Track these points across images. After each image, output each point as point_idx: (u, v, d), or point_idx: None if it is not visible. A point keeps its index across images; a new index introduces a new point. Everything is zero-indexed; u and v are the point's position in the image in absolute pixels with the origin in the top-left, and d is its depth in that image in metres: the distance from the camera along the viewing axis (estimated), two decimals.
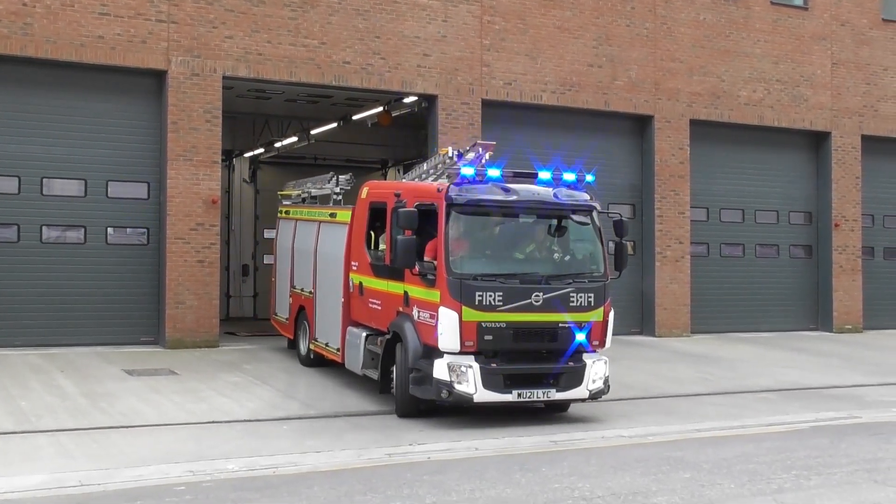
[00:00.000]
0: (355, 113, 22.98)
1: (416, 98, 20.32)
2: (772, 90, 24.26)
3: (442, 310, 12.05)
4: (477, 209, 12.52)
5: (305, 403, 13.49)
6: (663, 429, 12.58)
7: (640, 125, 22.98)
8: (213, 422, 12.13)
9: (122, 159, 17.92)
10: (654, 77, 22.74)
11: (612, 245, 13.36)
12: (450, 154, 13.75)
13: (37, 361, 15.51)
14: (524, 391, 12.26)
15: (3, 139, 16.99)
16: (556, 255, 13.21)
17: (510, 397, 12.19)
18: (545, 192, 12.96)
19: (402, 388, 12.66)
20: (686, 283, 22.94)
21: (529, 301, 12.22)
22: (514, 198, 12.64)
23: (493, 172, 12.71)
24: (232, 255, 27.68)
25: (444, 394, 11.98)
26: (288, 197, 19.50)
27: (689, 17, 23.25)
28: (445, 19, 20.28)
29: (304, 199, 18.41)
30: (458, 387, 11.97)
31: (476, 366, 12.02)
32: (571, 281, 12.63)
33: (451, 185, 12.49)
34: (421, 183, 14.26)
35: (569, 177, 13.24)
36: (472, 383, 11.96)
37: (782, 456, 10.58)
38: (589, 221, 13.13)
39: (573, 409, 13.40)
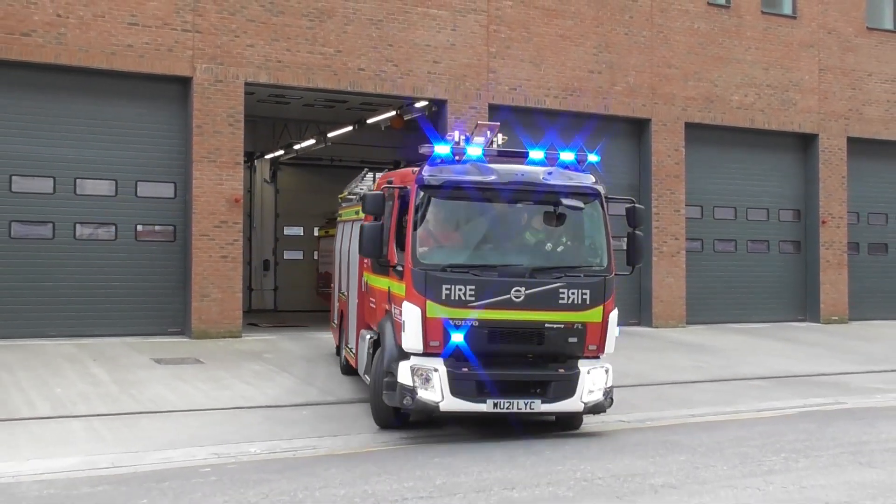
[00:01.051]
0: (369, 117, 22.96)
1: (426, 102, 20.29)
2: (762, 95, 24.19)
3: (405, 305, 10.17)
4: (451, 192, 10.52)
5: (323, 391, 13.49)
6: (660, 414, 12.57)
7: (638, 128, 22.93)
8: (236, 408, 12.16)
9: (151, 161, 17.93)
10: (651, 82, 22.69)
11: (635, 236, 11.37)
12: (456, 139, 11.71)
13: (71, 351, 15.57)
14: (502, 401, 10.11)
15: (38, 142, 17.01)
16: (548, 246, 11.00)
17: (484, 407, 10.09)
18: (533, 173, 10.79)
19: (375, 394, 10.89)
20: (681, 277, 22.90)
21: (509, 297, 10.14)
22: (492, 178, 10.51)
23: (474, 151, 10.83)
24: (254, 250, 27.78)
25: (407, 400, 10.07)
26: (346, 199, 17.81)
27: (684, 25, 23.20)
28: (454, 28, 20.26)
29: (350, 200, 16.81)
30: (421, 393, 10.02)
31: (443, 369, 10.02)
32: (562, 275, 10.45)
33: (426, 166, 10.64)
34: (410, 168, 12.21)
35: (566, 156, 11.19)
36: (438, 389, 10.00)
37: (772, 440, 10.57)
38: (589, 207, 10.89)
39: None
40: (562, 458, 9.46)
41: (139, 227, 17.85)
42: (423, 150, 11.00)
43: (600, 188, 10.98)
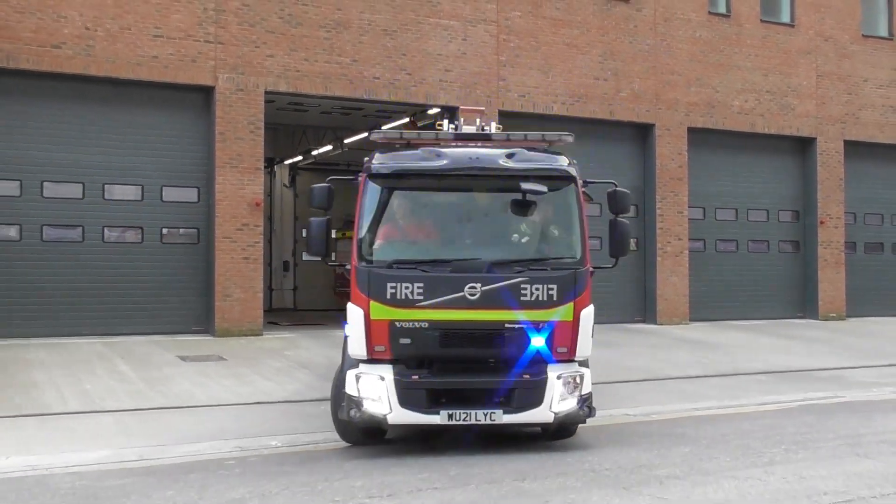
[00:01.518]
0: (384, 123, 22.96)
1: (438, 109, 20.31)
2: (762, 100, 24.12)
3: (349, 306, 8.96)
4: (400, 180, 9.23)
5: None
6: (665, 408, 12.56)
7: (642, 132, 22.88)
8: (257, 402, 12.19)
9: (175, 166, 17.99)
10: (655, 89, 22.65)
11: (617, 224, 9.76)
12: (445, 128, 10.59)
13: (100, 349, 15.65)
14: (458, 411, 8.69)
15: (68, 149, 17.09)
16: (514, 237, 9.47)
17: (437, 419, 8.71)
18: (491, 156, 9.30)
19: (334, 405, 9.53)
20: (685, 276, 22.84)
21: (462, 294, 8.71)
22: (443, 163, 9.08)
23: (445, 135, 9.73)
24: (274, 252, 27.85)
25: (354, 412, 8.79)
26: None
27: (687, 34, 23.15)
28: (465, 38, 20.27)
29: None
30: (367, 404, 8.70)
31: (390, 377, 8.68)
32: (523, 269, 8.92)
33: (377, 153, 9.41)
34: None
35: (517, 136, 9.70)
36: (385, 400, 8.65)
37: (773, 432, 10.54)
38: (562, 192, 9.36)
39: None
40: (570, 449, 9.44)
41: (164, 231, 17.91)
42: (374, 135, 9.76)
43: (572, 171, 9.39)
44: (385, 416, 8.72)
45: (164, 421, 11.01)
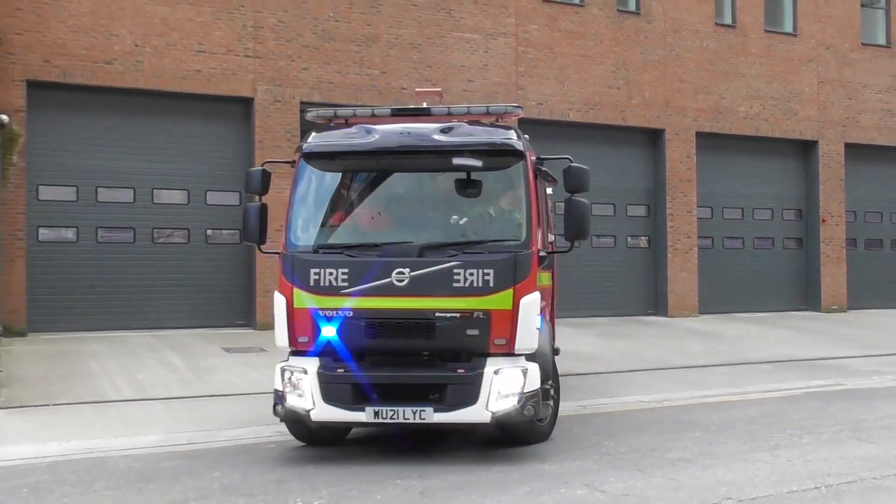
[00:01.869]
0: None
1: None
2: (766, 105, 23.94)
3: (275, 294, 8.03)
4: (329, 161, 8.25)
5: None
6: (676, 395, 12.49)
7: (653, 137, 22.77)
8: None
9: (218, 172, 18.11)
10: (665, 96, 22.53)
11: (573, 203, 8.01)
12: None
13: (150, 342, 15.78)
14: (384, 409, 7.52)
15: (120, 157, 17.24)
16: (453, 218, 8.19)
17: (363, 416, 7.59)
18: (423, 131, 8.07)
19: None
20: (694, 272, 22.72)
21: (390, 281, 7.54)
22: (372, 140, 7.97)
23: (381, 112, 8.59)
24: None
25: (279, 408, 7.92)
26: None
27: (694, 44, 23.01)
28: (486, 50, 20.27)
29: None
30: (290, 399, 7.75)
31: (313, 371, 7.64)
32: (457, 252, 7.64)
33: (313, 133, 8.46)
34: None
35: (459, 109, 8.47)
36: (308, 395, 7.63)
37: (778, 418, 10.47)
38: (512, 169, 8.04)
39: (594, 381, 12.84)
40: (588, 434, 9.44)
41: (209, 232, 18.03)
42: (310, 115, 8.73)
43: (519, 145, 8.01)
44: (308, 412, 7.67)
45: (210, 408, 11.08)
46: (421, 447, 8.68)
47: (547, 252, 8.15)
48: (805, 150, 25.03)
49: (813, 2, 24.91)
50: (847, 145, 25.19)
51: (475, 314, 7.55)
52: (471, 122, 8.38)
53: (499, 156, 8.03)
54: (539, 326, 7.87)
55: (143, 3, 17.07)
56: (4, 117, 15.56)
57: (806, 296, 24.98)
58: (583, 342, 17.04)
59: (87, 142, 17.06)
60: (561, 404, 11.23)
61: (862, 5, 25.82)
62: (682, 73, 22.80)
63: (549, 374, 8.27)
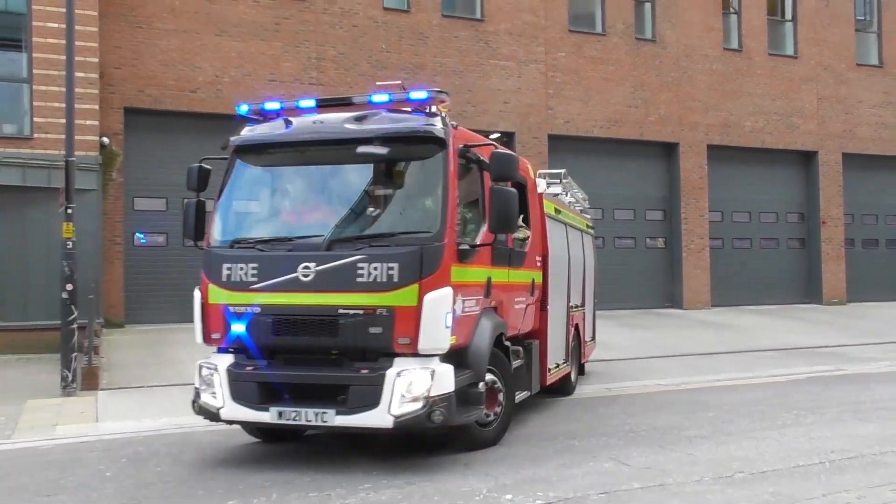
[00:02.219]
0: None
1: (499, 134, 20.23)
2: (770, 120, 23.55)
3: (195, 291, 7.10)
4: (251, 155, 7.23)
5: None
6: (691, 379, 12.31)
7: (668, 150, 22.51)
8: None
9: None
10: (679, 113, 22.27)
11: (496, 192, 6.66)
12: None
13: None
14: (288, 409, 6.45)
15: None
16: (368, 210, 6.88)
17: (267, 417, 6.53)
18: (335, 121, 6.93)
19: None
20: (706, 269, 22.43)
21: (296, 276, 6.45)
22: (285, 131, 6.99)
23: (306, 103, 7.19)
24: None
25: (196, 405, 6.93)
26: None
27: (705, 67, 22.72)
28: (520, 76, 20.21)
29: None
30: (204, 397, 6.81)
31: (223, 368, 6.69)
32: (365, 245, 6.44)
33: (247, 125, 7.44)
34: None
35: (380, 98, 6.95)
36: (219, 393, 6.68)
37: (784, 399, 10.26)
38: (426, 159, 6.74)
39: (618, 366, 12.71)
40: (612, 413, 9.33)
41: None
42: (241, 108, 7.51)
43: (440, 132, 6.66)
44: (219, 409, 6.72)
45: None
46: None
47: (470, 245, 6.66)
48: (806, 159, 24.58)
49: (812, 27, 24.47)
50: (844, 155, 24.70)
51: (378, 311, 6.31)
52: (393, 110, 7.02)
53: (416, 143, 6.73)
54: (448, 325, 6.38)
55: (222, 39, 17.32)
56: (105, 139, 15.89)
57: (808, 290, 24.52)
58: (607, 332, 16.88)
59: (175, 159, 17.25)
60: (587, 387, 11.12)
61: (856, 30, 25.35)
62: (694, 92, 22.51)
63: (482, 376, 6.87)
